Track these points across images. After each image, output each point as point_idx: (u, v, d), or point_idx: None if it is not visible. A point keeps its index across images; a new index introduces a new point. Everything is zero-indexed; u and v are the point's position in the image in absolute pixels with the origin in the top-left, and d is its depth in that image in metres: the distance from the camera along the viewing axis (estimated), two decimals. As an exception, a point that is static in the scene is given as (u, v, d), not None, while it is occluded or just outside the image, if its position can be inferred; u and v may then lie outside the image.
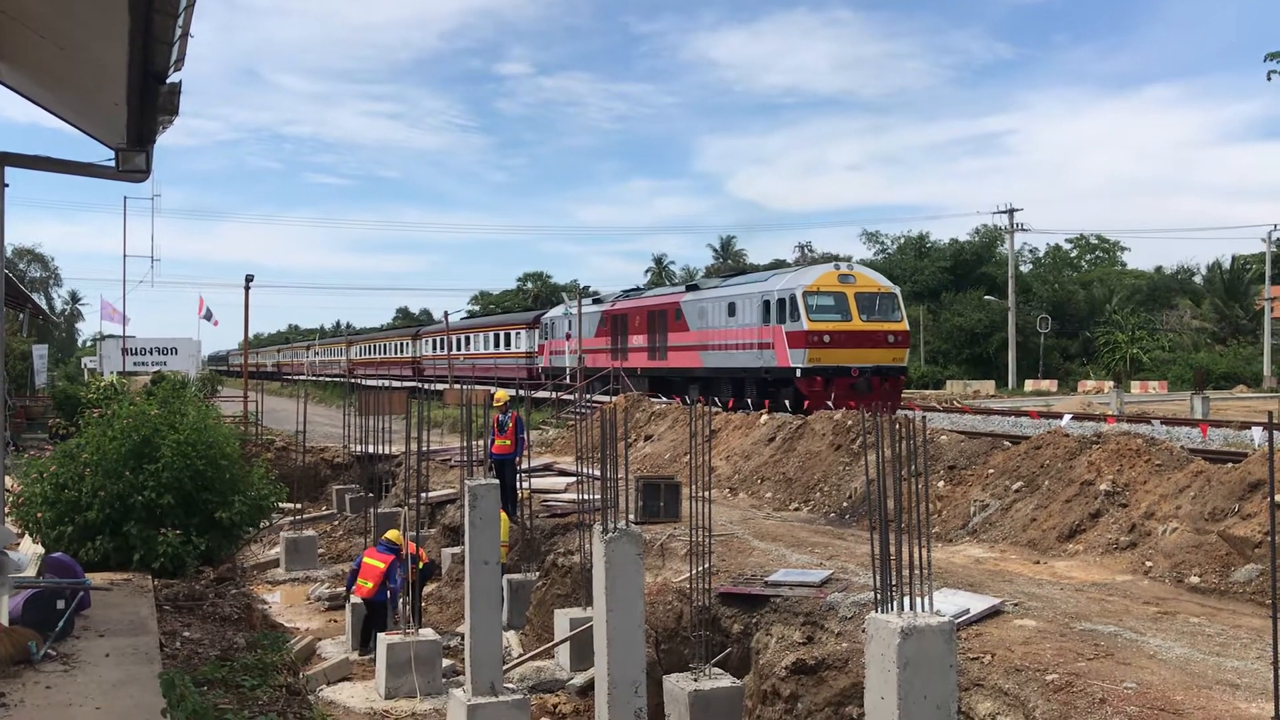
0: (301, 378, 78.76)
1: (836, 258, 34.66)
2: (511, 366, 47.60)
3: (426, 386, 45.99)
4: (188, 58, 6.36)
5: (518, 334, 48.85)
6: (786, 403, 26.46)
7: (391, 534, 14.16)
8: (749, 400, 27.94)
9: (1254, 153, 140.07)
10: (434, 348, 57.97)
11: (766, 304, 27.84)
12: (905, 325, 27.97)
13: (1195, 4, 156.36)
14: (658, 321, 33.93)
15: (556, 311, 43.88)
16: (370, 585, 13.44)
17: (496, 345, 51.07)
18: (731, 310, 29.55)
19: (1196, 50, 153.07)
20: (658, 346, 33.71)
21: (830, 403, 23.96)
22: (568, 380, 39.25)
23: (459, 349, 54.89)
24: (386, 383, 48.21)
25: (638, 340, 35.15)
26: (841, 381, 25.84)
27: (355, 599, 13.87)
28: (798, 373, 26.16)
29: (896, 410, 25.39)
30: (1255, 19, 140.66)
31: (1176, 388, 50.69)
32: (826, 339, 26.21)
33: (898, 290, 28.69)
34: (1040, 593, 9.98)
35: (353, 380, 55.40)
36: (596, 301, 41.09)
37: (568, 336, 42.26)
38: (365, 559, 13.82)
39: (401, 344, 67.03)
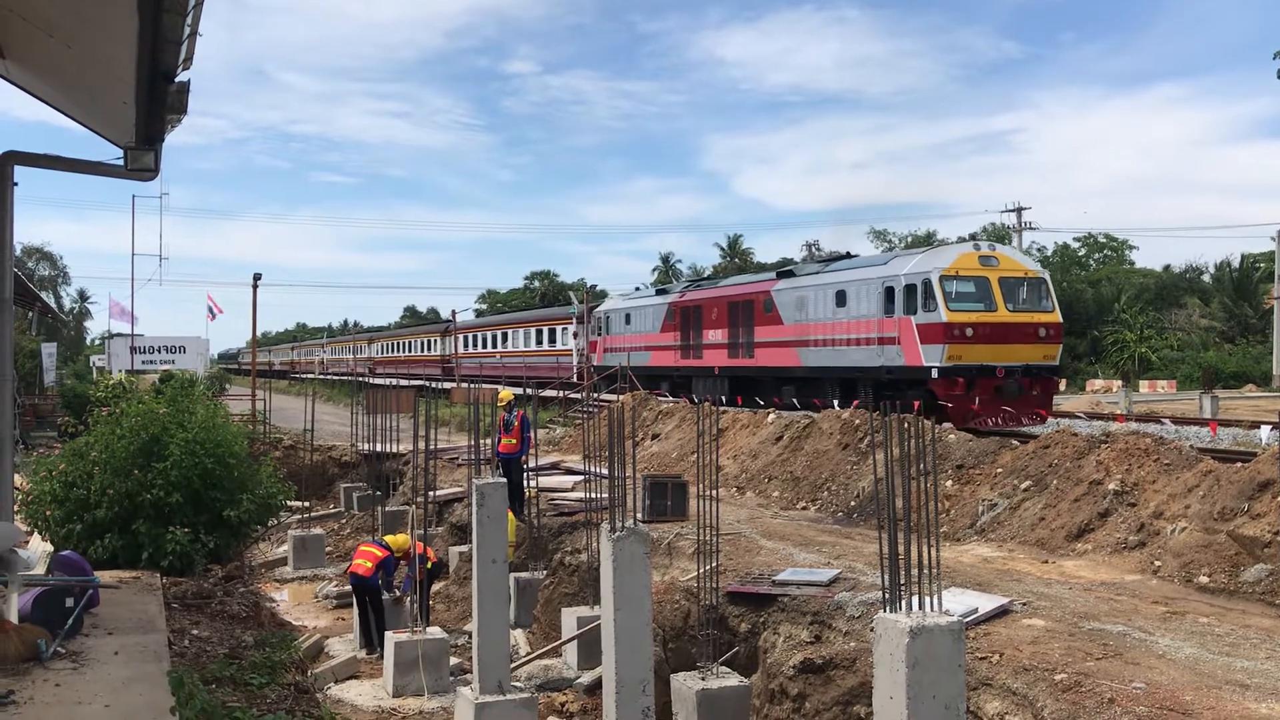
0: (314, 376, 78.10)
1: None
2: (556, 365, 44.08)
3: (462, 385, 44.25)
4: (195, 56, 6.37)
5: (565, 329, 44.89)
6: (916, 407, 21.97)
7: (388, 537, 14.37)
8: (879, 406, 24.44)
9: (1263, 151, 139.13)
10: (467, 345, 55.00)
11: (889, 291, 23.52)
12: (1058, 316, 23.73)
13: (1203, 2, 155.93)
14: (741, 314, 29.49)
15: (612, 304, 39.74)
16: (369, 565, 13.47)
17: (539, 342, 47.07)
18: (841, 299, 25.24)
19: (1204, 48, 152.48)
20: (741, 343, 29.35)
21: (975, 408, 21.36)
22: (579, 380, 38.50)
23: (495, 346, 51.59)
24: (419, 383, 46.06)
25: (715, 335, 30.88)
26: (985, 383, 21.89)
27: (351, 580, 14.00)
28: (933, 373, 22.08)
29: (1047, 420, 22.62)
30: (1264, 17, 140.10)
31: (1185, 387, 50.52)
32: (969, 332, 22.11)
33: (1047, 275, 24.47)
34: (1049, 592, 9.96)
35: (364, 379, 54.73)
36: (661, 292, 36.64)
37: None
38: (361, 547, 14.13)
39: (430, 341, 62.73)
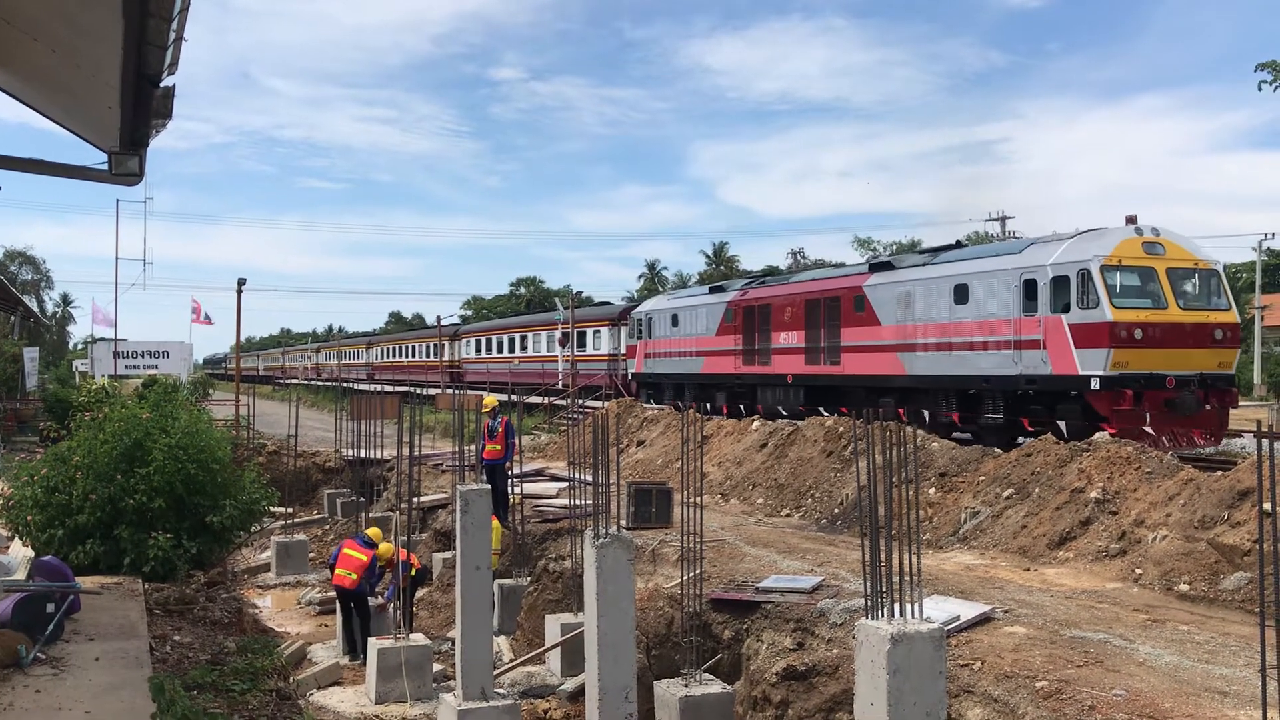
0: (299, 381, 77.02)
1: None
2: (587, 373, 40.13)
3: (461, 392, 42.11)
4: (180, 60, 6.36)
5: (596, 332, 40.99)
6: (1062, 427, 18.81)
7: (372, 531, 14.21)
8: (999, 422, 20.30)
9: (1244, 162, 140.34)
10: (477, 349, 52.02)
11: (1030, 284, 19.69)
12: (1235, 315, 20.07)
13: (1186, 14, 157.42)
14: (823, 313, 25.46)
15: (656, 303, 35.53)
16: (354, 576, 13.32)
17: (564, 347, 42.91)
18: (961, 294, 21.25)
19: (1188, 60, 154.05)
20: (823, 347, 25.36)
21: (1146, 427, 17.92)
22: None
23: (510, 350, 48.58)
24: (429, 390, 44.46)
25: (787, 339, 26.86)
26: (1154, 396, 18.25)
27: (337, 591, 13.83)
28: (1093, 383, 18.31)
29: (1222, 441, 19.34)
30: (1246, 29, 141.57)
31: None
32: (1138, 335, 18.40)
33: (1220, 265, 20.31)
34: (1030, 600, 10.01)
35: (349, 385, 54.02)
36: (715, 289, 32.50)
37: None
38: (345, 550, 13.70)
39: (436, 346, 58.22)
